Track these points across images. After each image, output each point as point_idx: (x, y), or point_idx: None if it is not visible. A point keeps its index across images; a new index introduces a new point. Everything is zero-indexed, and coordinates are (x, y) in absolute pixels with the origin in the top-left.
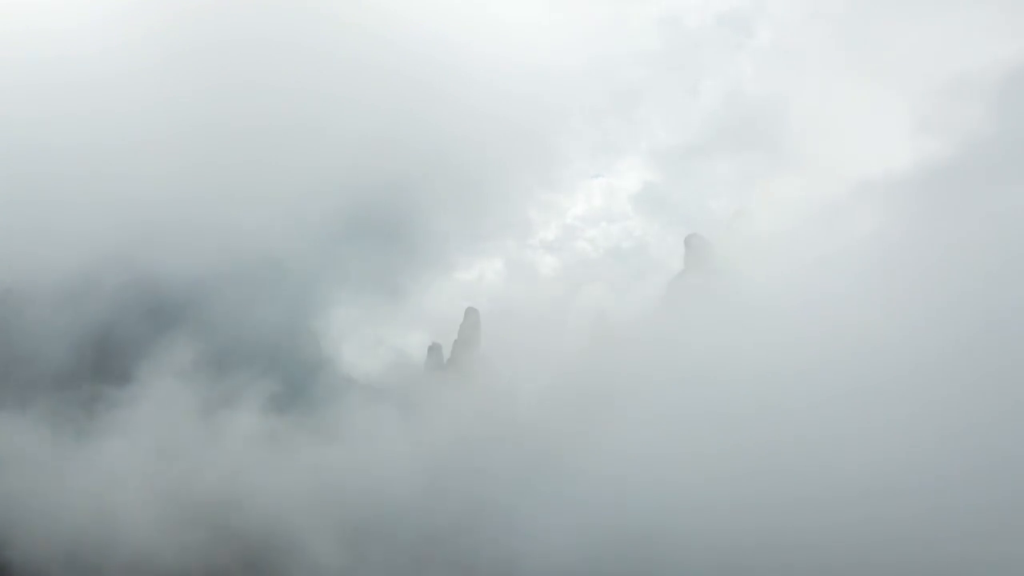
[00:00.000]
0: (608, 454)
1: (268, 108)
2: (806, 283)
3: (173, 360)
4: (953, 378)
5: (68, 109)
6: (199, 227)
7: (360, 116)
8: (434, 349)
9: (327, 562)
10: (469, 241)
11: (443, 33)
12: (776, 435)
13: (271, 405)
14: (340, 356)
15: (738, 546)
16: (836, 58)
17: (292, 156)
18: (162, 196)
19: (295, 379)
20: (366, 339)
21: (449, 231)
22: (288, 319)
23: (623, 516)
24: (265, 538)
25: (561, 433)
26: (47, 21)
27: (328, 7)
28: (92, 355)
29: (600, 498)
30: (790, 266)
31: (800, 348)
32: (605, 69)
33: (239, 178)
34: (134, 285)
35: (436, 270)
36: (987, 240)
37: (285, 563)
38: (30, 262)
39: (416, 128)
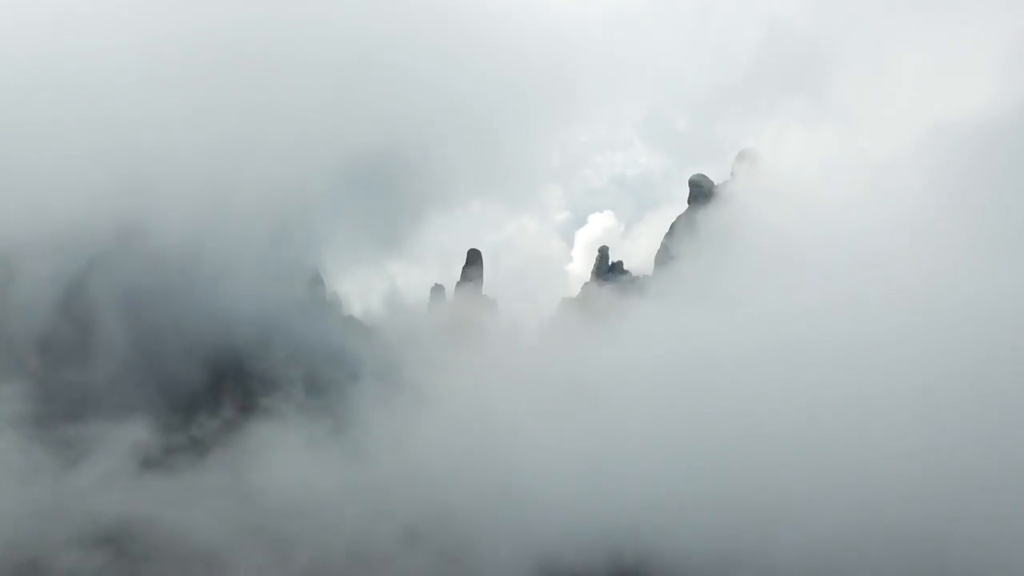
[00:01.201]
0: (599, 439)
1: (271, 43)
2: (826, 239)
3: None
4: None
5: (57, 47)
6: (194, 172)
7: (359, 51)
8: (436, 290)
9: None
10: (472, 178)
11: None
12: (775, 430)
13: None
14: (340, 298)
15: (735, 545)
16: None
17: (294, 93)
18: (156, 140)
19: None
20: (367, 280)
21: (452, 168)
22: (287, 262)
23: (611, 511)
24: None
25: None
26: None
27: None
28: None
29: (589, 489)
30: (809, 215)
31: (811, 322)
32: None
33: (238, 118)
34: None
35: (439, 209)
36: None
37: None
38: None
39: (417, 63)
